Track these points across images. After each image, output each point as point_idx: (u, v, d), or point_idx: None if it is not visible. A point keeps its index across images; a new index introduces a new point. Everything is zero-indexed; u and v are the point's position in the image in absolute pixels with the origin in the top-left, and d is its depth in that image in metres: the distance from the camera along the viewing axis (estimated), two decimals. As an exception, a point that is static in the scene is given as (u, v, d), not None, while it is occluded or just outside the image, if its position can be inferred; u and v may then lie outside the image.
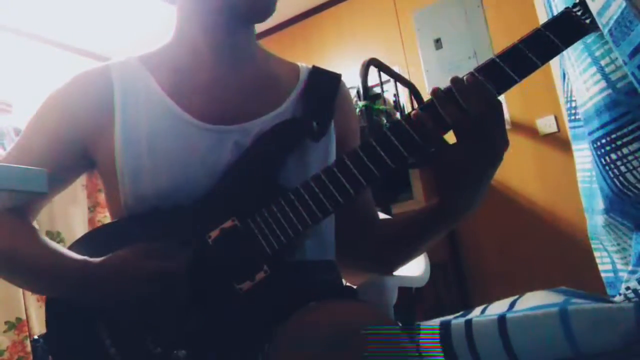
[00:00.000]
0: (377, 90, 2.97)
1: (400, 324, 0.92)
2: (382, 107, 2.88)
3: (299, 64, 1.02)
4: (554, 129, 2.95)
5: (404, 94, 3.25)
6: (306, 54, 3.78)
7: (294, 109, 0.91)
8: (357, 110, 2.52)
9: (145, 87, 0.89)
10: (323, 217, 0.77)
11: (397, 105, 3.17)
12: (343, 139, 0.97)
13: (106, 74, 0.90)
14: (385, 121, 2.80)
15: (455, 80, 0.73)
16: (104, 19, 3.51)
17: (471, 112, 0.71)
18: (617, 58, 0.78)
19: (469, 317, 0.84)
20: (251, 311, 0.78)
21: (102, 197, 2.52)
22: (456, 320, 0.83)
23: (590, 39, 0.83)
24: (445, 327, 0.83)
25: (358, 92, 2.66)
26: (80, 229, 2.29)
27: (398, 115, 3.02)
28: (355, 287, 0.97)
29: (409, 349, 0.64)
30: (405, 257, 0.97)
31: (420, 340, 0.86)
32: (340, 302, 0.72)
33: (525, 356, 0.75)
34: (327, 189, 0.76)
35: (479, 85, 0.72)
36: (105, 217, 2.47)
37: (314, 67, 1.00)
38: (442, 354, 0.81)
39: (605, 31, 0.75)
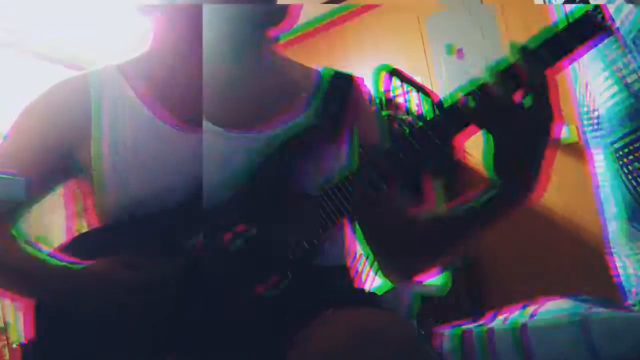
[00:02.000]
0: (399, 99, 2.97)
1: (423, 332, 0.92)
2: (404, 117, 2.88)
3: (312, 67, 1.01)
4: (569, 136, 2.91)
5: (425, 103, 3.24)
6: (328, 64, 3.78)
7: (305, 113, 0.91)
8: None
9: (121, 95, 0.89)
10: (340, 222, 0.78)
11: (418, 115, 3.16)
12: (360, 139, 0.95)
13: (83, 83, 0.90)
14: (407, 131, 2.79)
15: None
16: (82, 26, 3.40)
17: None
18: (629, 62, 0.78)
19: (490, 325, 0.84)
20: (271, 317, 0.77)
21: (81, 205, 2.48)
22: (478, 329, 0.83)
23: (605, 45, 0.82)
24: (467, 334, 0.83)
25: (380, 101, 2.66)
26: (60, 236, 2.27)
27: (420, 124, 3.00)
28: (375, 293, 0.97)
29: (432, 357, 0.64)
30: (444, 254, 0.94)
31: (443, 347, 0.86)
32: (361, 309, 0.72)
33: (545, 364, 0.75)
34: (347, 195, 0.77)
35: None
36: (84, 225, 2.44)
37: (325, 69, 0.99)
38: (463, 362, 0.82)
39: (629, 39, 0.75)
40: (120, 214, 0.83)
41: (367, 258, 1.40)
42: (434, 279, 1.11)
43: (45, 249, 0.86)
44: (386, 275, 0.99)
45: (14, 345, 2.15)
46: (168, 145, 0.86)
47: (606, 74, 0.82)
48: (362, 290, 0.99)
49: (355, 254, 1.04)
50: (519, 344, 0.78)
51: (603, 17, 0.75)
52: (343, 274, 0.92)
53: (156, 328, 0.77)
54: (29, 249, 0.85)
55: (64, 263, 0.80)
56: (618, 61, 0.81)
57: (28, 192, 0.68)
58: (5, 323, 2.20)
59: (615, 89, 0.81)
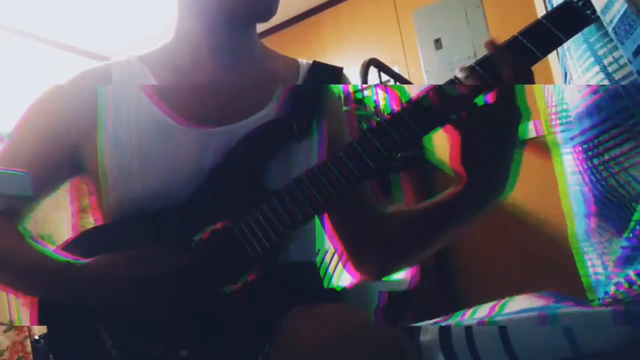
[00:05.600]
0: (358, 95, 2.96)
1: (401, 327, 0.91)
2: (364, 112, 2.87)
3: (299, 60, 0.99)
4: (535, 133, 2.93)
5: (404, 94, 3.25)
6: (306, 54, 3.77)
7: (281, 108, 0.89)
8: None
9: (137, 88, 0.87)
10: (305, 221, 0.76)
11: (378, 111, 3.14)
12: (334, 137, 0.94)
13: (106, 73, 0.89)
14: (365, 127, 2.79)
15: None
16: (102, 17, 3.48)
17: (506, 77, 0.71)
18: (620, 57, 0.77)
19: (468, 320, 0.83)
20: (239, 313, 0.77)
21: (87, 201, 2.50)
22: (457, 323, 0.83)
23: (593, 37, 0.82)
24: (445, 328, 0.83)
25: (339, 97, 2.64)
26: (66, 232, 2.27)
27: (377, 120, 3.00)
28: (338, 290, 0.96)
29: (411, 351, 0.64)
30: (418, 251, 0.92)
31: (421, 342, 0.85)
32: (328, 307, 0.71)
33: (526, 357, 0.75)
34: (309, 192, 0.75)
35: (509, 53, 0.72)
36: (90, 221, 2.46)
37: (314, 62, 0.98)
38: (442, 355, 0.81)
39: (610, 29, 0.74)
40: (126, 210, 0.82)
41: (335, 254, 1.40)
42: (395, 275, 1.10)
43: (50, 245, 0.85)
44: (358, 272, 0.97)
45: (36, 337, 2.21)
46: (176, 141, 0.84)
47: (589, 62, 0.82)
48: (328, 286, 0.98)
49: (324, 250, 1.03)
50: (499, 339, 0.77)
51: (584, 5, 0.75)
52: (310, 270, 0.91)
53: (164, 324, 0.76)
54: (35, 245, 0.84)
55: (67, 259, 0.79)
56: (600, 50, 0.81)
57: (34, 187, 0.66)
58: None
59: (599, 77, 0.81)
